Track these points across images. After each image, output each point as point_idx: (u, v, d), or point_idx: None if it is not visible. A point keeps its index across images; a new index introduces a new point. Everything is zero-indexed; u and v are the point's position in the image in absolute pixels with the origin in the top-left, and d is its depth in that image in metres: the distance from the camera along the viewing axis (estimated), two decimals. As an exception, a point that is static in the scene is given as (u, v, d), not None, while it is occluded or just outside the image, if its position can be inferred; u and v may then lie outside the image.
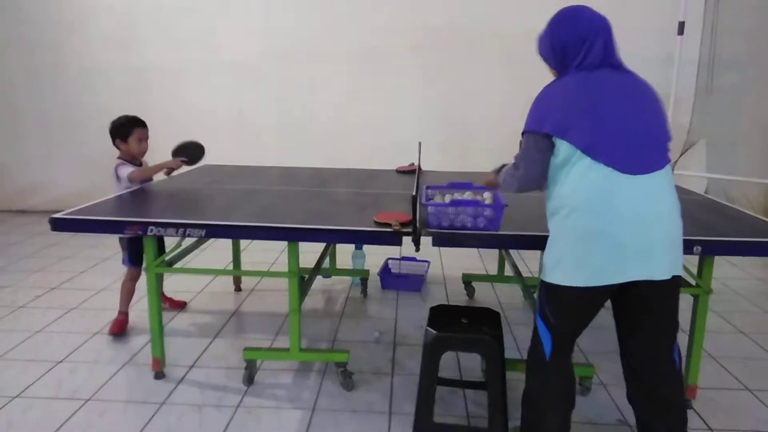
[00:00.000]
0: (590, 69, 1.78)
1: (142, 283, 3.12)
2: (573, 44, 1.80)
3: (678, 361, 1.89)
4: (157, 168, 3.10)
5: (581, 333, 1.90)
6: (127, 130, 3.05)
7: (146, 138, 3.12)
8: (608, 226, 1.67)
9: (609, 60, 1.79)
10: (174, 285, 3.73)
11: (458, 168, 3.69)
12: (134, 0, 5.54)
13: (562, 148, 1.73)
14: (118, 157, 3.11)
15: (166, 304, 3.41)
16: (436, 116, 5.52)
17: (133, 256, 3.05)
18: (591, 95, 1.73)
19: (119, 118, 3.10)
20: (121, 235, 2.99)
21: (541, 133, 1.77)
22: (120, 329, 3.09)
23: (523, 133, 1.84)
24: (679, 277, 1.79)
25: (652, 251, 1.70)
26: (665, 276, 1.73)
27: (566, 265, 1.74)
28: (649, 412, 1.90)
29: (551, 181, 1.82)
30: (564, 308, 1.82)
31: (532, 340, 1.96)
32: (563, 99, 1.76)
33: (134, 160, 3.13)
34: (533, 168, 1.83)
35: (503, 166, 2.12)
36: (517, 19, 5.24)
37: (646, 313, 1.81)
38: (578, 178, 1.71)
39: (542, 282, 1.86)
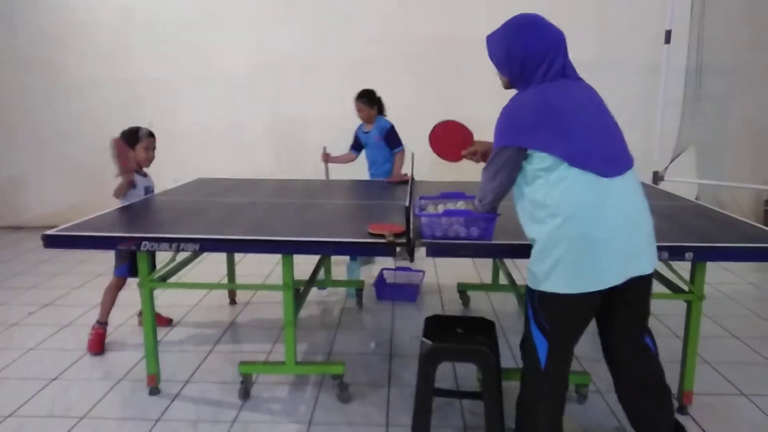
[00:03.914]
0: (551, 80, 1.80)
1: (123, 297, 3.12)
2: (534, 57, 1.79)
3: (652, 346, 1.96)
4: (122, 184, 3.03)
5: (578, 339, 1.91)
6: (136, 137, 3.14)
7: (153, 148, 3.21)
8: (602, 232, 1.71)
9: (566, 72, 1.82)
10: (168, 299, 3.71)
11: (450, 178, 3.70)
12: (127, 14, 5.56)
13: (546, 158, 1.74)
14: None
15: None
16: (428, 127, 5.54)
17: (133, 266, 3.02)
18: (563, 105, 1.75)
19: (129, 128, 3.18)
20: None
21: (516, 147, 1.78)
22: (101, 346, 3.06)
23: (496, 148, 1.83)
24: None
25: (641, 248, 1.78)
26: (650, 270, 1.82)
27: (563, 272, 1.76)
28: (636, 401, 1.97)
29: (531, 189, 1.81)
30: (562, 315, 1.83)
31: (526, 348, 1.96)
32: (537, 112, 1.76)
33: (140, 168, 3.19)
34: (509, 180, 1.86)
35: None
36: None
37: (626, 305, 1.88)
38: (566, 187, 1.73)
39: (534, 291, 1.85)
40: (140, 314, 3.35)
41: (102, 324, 3.12)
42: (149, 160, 3.21)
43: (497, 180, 1.88)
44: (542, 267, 1.80)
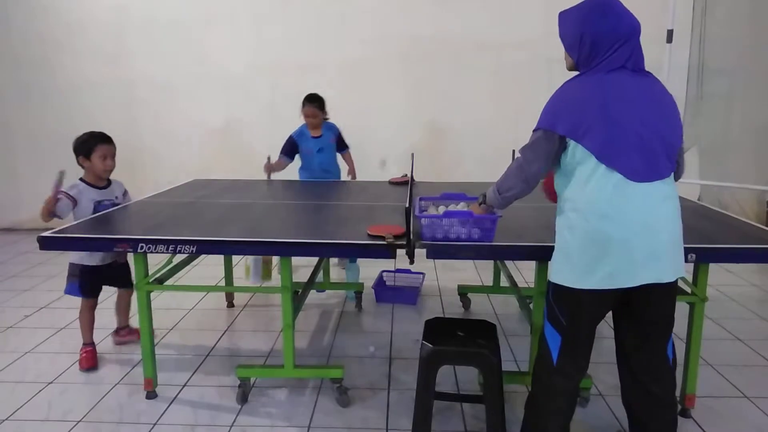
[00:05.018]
0: (610, 70, 1.73)
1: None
2: (606, 40, 1.73)
3: (671, 358, 1.93)
4: (48, 202, 2.78)
5: (590, 340, 1.90)
6: (89, 146, 2.84)
7: (112, 155, 2.88)
8: (619, 232, 1.69)
9: (631, 63, 1.76)
10: (165, 302, 3.68)
11: (447, 178, 3.68)
12: (123, 14, 5.53)
13: (577, 150, 1.72)
14: (80, 178, 2.90)
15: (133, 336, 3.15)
16: (425, 127, 5.53)
17: (86, 287, 2.90)
18: (609, 99, 1.70)
19: (82, 135, 2.87)
20: (72, 261, 2.88)
21: (553, 131, 1.75)
22: (94, 362, 2.89)
23: (535, 129, 1.81)
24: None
25: (660, 255, 1.73)
26: (671, 278, 1.78)
27: (575, 266, 1.76)
28: (642, 412, 1.95)
29: (564, 180, 1.82)
30: (572, 309, 1.82)
31: (539, 344, 1.96)
32: (580, 101, 1.73)
33: (98, 180, 2.91)
34: (537, 161, 1.81)
35: (484, 194, 2.06)
36: (504, 30, 5.28)
37: (648, 313, 1.85)
38: (591, 182, 1.72)
39: (550, 282, 1.87)
40: (115, 332, 3.17)
41: (87, 344, 2.95)
42: (107, 171, 2.88)
43: (529, 169, 1.83)
44: (557, 259, 1.83)
